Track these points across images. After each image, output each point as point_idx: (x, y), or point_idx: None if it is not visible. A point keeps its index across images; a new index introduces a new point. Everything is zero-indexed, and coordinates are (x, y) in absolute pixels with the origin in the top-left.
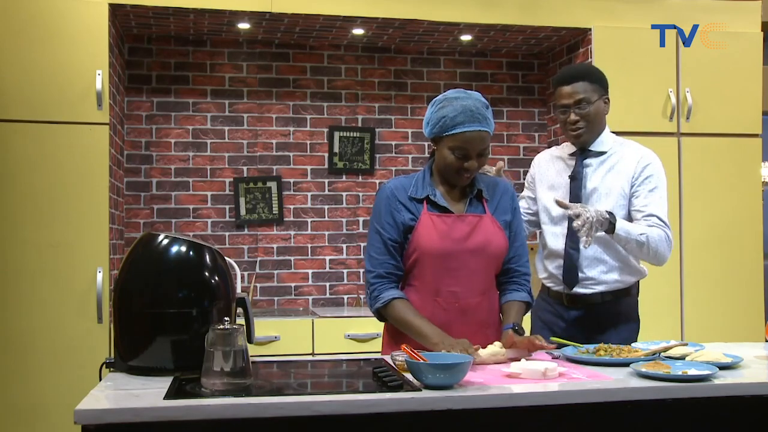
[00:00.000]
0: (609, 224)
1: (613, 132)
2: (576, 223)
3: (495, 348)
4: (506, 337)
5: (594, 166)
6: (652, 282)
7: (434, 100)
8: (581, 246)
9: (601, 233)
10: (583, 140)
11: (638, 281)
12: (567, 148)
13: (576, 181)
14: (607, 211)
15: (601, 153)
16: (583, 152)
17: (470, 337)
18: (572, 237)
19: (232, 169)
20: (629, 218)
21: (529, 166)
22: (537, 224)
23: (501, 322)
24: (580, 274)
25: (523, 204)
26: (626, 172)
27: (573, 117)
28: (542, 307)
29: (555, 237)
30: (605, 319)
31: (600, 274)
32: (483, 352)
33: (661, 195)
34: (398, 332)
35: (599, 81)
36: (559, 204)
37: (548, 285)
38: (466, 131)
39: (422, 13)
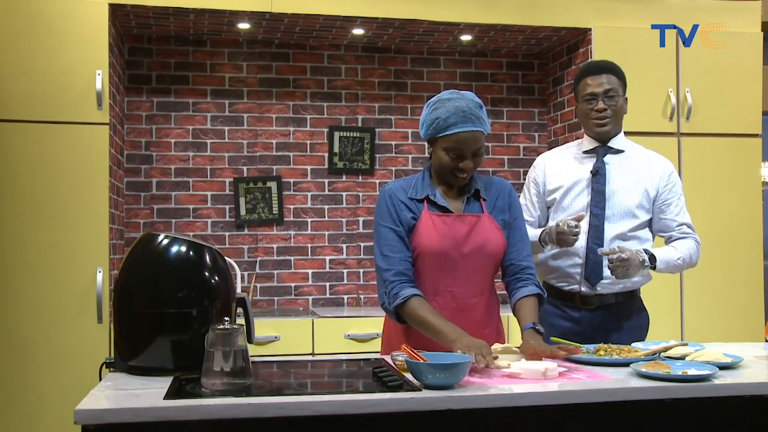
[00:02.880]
0: (648, 268)
1: None
2: (612, 262)
3: (515, 357)
4: (527, 340)
5: (614, 164)
6: (652, 282)
7: (429, 101)
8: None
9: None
10: (607, 130)
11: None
12: (578, 146)
13: (599, 176)
14: (646, 252)
15: (620, 151)
16: (602, 148)
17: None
18: (593, 233)
19: (232, 169)
20: (656, 222)
21: (529, 166)
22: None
23: (500, 321)
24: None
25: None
26: (651, 175)
27: (601, 105)
28: (548, 311)
29: None
30: (620, 319)
31: None
32: (502, 362)
33: (684, 202)
34: (398, 332)
35: (623, 79)
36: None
37: (558, 285)
38: (459, 132)
39: (422, 13)
